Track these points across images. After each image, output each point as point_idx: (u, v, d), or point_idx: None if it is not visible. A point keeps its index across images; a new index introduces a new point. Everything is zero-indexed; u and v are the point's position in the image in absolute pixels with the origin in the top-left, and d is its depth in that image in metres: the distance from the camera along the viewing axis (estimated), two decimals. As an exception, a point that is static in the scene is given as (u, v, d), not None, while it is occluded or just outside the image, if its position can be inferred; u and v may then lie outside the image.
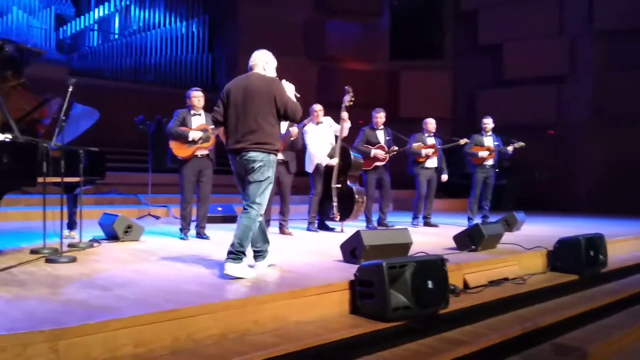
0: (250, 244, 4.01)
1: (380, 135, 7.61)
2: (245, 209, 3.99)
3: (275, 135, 4.06)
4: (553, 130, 13.61)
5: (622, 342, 4.58)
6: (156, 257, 4.77)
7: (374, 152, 7.41)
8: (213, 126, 5.92)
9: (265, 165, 3.98)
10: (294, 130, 6.37)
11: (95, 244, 5.29)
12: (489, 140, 8.40)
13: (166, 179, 9.14)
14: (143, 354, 2.71)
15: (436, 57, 15.89)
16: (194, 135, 5.87)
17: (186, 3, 15.37)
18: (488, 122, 8.45)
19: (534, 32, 13.85)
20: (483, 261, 5.03)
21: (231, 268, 3.82)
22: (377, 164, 7.47)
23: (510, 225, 7.61)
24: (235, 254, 3.85)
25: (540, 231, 7.70)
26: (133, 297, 3.22)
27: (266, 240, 4.27)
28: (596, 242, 5.72)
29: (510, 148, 8.33)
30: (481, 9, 14.81)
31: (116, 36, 14.77)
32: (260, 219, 4.06)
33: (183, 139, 5.87)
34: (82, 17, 14.59)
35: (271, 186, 4.08)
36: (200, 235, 6.09)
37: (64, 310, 2.88)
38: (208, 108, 8.69)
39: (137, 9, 14.93)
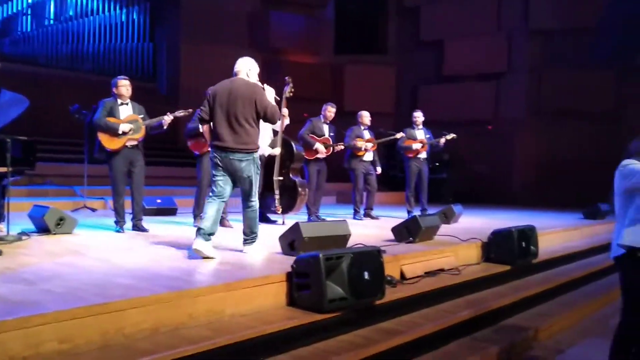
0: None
1: (326, 129, 7.63)
2: (248, 204, 4.65)
3: (255, 135, 4.57)
4: (491, 125, 14.02)
5: (552, 329, 4.77)
6: (88, 250, 4.62)
7: (316, 145, 7.42)
8: (142, 116, 5.84)
9: (251, 163, 4.54)
10: None
11: (24, 237, 5.07)
12: (420, 134, 8.56)
13: (103, 170, 8.83)
14: (68, 350, 2.61)
15: (380, 52, 16.07)
16: (124, 128, 5.71)
17: (126, -11, 14.92)
18: (418, 116, 8.64)
19: (473, 30, 14.21)
20: (420, 252, 5.12)
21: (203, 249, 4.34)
22: (319, 155, 7.50)
23: (448, 217, 7.79)
24: (252, 239, 4.67)
25: (476, 223, 7.91)
26: (60, 291, 3.10)
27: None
28: (528, 234, 5.92)
29: (442, 140, 8.51)
30: (423, 5, 15.07)
31: (51, 22, 14.19)
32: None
33: (112, 131, 5.69)
34: (14, 0, 13.94)
35: (259, 177, 4.71)
36: (138, 227, 5.92)
37: (-17, 306, 2.74)
38: (147, 98, 8.51)
39: (74, -6, 14.39)
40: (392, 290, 4.25)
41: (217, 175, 4.55)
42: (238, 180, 4.58)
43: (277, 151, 6.88)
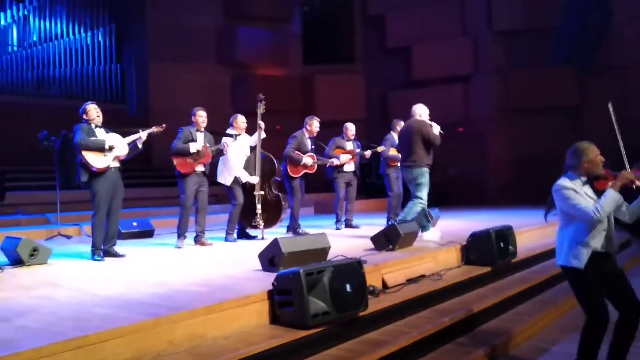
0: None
1: (309, 143, 7.59)
2: (413, 199, 6.57)
3: (422, 155, 6.58)
4: (462, 127, 14.17)
5: (535, 328, 4.81)
6: (64, 280, 4.52)
7: (304, 160, 7.38)
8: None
9: (420, 173, 6.55)
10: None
11: (-3, 271, 4.95)
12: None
13: (76, 195, 8.74)
14: (47, 388, 2.55)
15: (348, 61, 16.19)
16: (110, 142, 5.59)
17: (90, 12, 14.78)
18: (402, 124, 8.60)
19: (438, 34, 14.43)
20: (400, 260, 5.13)
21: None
22: (307, 171, 7.47)
23: (426, 222, 7.80)
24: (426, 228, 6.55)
25: (454, 226, 7.96)
26: (35, 326, 3.02)
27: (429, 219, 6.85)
28: (505, 234, 5.97)
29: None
30: (388, 12, 15.24)
31: (15, 48, 13.96)
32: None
33: (99, 147, 5.53)
34: (-25, 29, 13.71)
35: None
36: (112, 253, 5.75)
37: (-45, 349, 2.66)
38: (117, 120, 8.42)
39: (37, 19, 14.19)
40: (375, 300, 4.25)
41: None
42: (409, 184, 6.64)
43: (255, 180, 6.87)
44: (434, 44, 14.43)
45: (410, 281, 4.91)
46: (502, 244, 5.83)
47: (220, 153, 6.62)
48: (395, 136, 8.61)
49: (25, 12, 14.09)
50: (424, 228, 6.61)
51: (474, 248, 5.84)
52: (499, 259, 5.75)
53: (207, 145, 6.49)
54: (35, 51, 13.97)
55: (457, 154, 14.03)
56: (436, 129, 6.71)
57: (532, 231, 7.57)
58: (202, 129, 6.56)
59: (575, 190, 3.36)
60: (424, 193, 6.56)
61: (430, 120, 6.87)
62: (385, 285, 4.69)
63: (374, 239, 5.83)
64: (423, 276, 5.10)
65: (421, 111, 6.90)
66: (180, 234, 6.52)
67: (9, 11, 13.95)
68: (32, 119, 12.06)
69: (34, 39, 14.13)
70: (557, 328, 4.95)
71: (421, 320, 4.32)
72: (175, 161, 6.44)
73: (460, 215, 9.73)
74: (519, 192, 13.13)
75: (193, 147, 6.37)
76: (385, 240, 5.67)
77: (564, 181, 3.43)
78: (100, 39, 14.71)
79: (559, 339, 4.61)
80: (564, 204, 3.41)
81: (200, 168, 6.45)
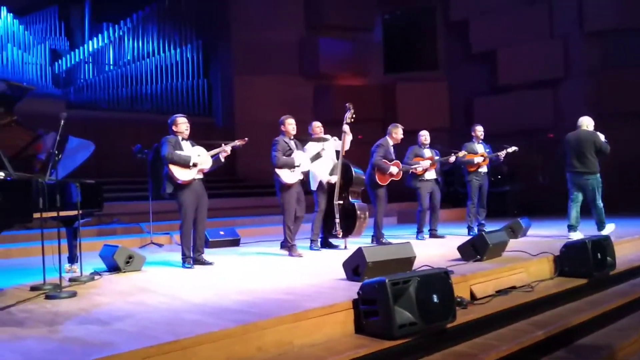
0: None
1: (392, 151, 7.53)
2: (594, 205, 7.34)
3: (595, 162, 7.29)
4: (552, 133, 13.56)
5: (635, 346, 4.49)
6: (157, 287, 4.70)
7: (391, 169, 7.32)
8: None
9: (596, 179, 7.31)
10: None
11: (96, 277, 5.22)
12: (480, 147, 8.37)
13: (167, 205, 9.10)
14: (143, 389, 2.64)
15: (430, 68, 15.96)
16: (195, 159, 5.75)
17: (179, 30, 15.48)
18: (479, 129, 8.45)
19: (525, 37, 13.91)
20: (489, 270, 4.96)
21: None
22: (393, 179, 7.42)
23: (515, 232, 7.53)
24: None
25: (545, 236, 7.62)
26: (132, 330, 3.16)
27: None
28: (603, 244, 5.64)
29: (502, 153, 8.29)
30: (471, 17, 14.89)
31: (111, 67, 14.86)
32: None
33: (184, 162, 5.74)
34: (76, 50, 14.70)
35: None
36: (200, 261, 5.93)
37: (61, 349, 2.82)
38: (205, 133, 8.72)
39: (131, 39, 15.04)
40: (463, 311, 4.12)
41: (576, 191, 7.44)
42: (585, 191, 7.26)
43: (334, 179, 6.87)
44: (520, 48, 13.93)
45: (500, 292, 4.73)
46: (599, 254, 5.51)
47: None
48: (475, 142, 8.42)
49: (120, 33, 14.97)
50: (601, 226, 7.38)
51: (568, 259, 5.55)
52: (595, 271, 5.43)
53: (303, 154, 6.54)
54: (129, 69, 14.80)
55: (548, 161, 13.45)
56: (602, 137, 7.41)
57: (633, 241, 7.11)
58: (292, 137, 6.61)
59: None
60: (600, 196, 7.39)
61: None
62: (473, 297, 4.54)
63: (460, 248, 5.67)
64: (514, 287, 4.90)
65: (588, 122, 7.62)
66: (287, 244, 6.54)
67: (105, 33, 14.88)
68: (126, 133, 12.76)
69: (128, 57, 14.98)
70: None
71: (513, 333, 4.14)
72: (279, 173, 6.39)
73: (551, 225, 9.28)
74: (617, 201, 12.35)
75: (297, 160, 6.40)
76: (473, 250, 5.50)
77: None
78: (188, 55, 15.38)
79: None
80: None
81: (301, 177, 6.52)
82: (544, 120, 13.64)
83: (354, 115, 7.03)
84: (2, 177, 4.13)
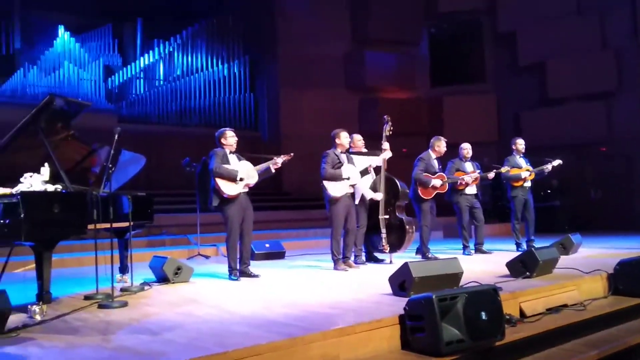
0: None
1: (436, 164, 7.46)
2: None
3: None
4: (604, 147, 13.18)
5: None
6: (205, 298, 4.78)
7: (433, 182, 7.25)
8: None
9: None
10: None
11: (146, 287, 5.35)
12: (522, 162, 8.20)
13: (214, 217, 9.24)
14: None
15: (477, 81, 15.78)
16: (242, 174, 5.83)
17: (227, 46, 15.82)
18: (521, 143, 8.30)
19: (576, 48, 13.58)
20: (539, 288, 4.84)
21: None
22: (438, 191, 7.34)
23: (566, 248, 7.33)
24: None
25: (598, 253, 7.39)
26: (181, 341, 3.22)
27: None
28: (660, 262, 5.42)
29: (548, 167, 8.10)
30: (519, 29, 14.66)
31: (161, 82, 15.28)
32: None
33: (232, 177, 5.82)
34: (129, 66, 15.20)
35: None
36: (247, 273, 5.99)
37: (113, 358, 2.90)
38: (251, 146, 8.85)
39: (180, 55, 15.45)
40: (512, 329, 4.03)
41: None
42: None
43: (379, 196, 6.84)
44: (571, 59, 13.62)
45: (550, 311, 4.60)
46: (656, 273, 5.30)
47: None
48: (517, 156, 8.26)
49: (170, 49, 15.40)
50: None
51: (623, 277, 5.35)
52: (652, 290, 5.22)
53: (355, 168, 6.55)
54: (178, 84, 15.19)
55: (600, 176, 13.07)
56: None
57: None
58: (344, 151, 6.58)
59: None
60: None
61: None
62: (523, 314, 4.44)
63: (509, 265, 5.56)
64: (565, 306, 4.76)
65: None
66: (337, 258, 6.51)
67: (156, 49, 15.33)
68: (175, 147, 13.08)
69: (178, 73, 15.39)
70: None
71: (564, 352, 4.02)
72: (327, 186, 6.39)
73: (604, 242, 9.00)
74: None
75: (345, 173, 6.40)
76: (522, 267, 5.38)
77: None
78: (235, 70, 15.68)
79: None
80: None
81: (351, 190, 6.53)
82: (595, 133, 13.25)
83: (392, 128, 7.00)
84: (59, 190, 4.29)
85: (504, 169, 8.00)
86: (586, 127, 13.26)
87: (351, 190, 6.49)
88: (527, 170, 8.12)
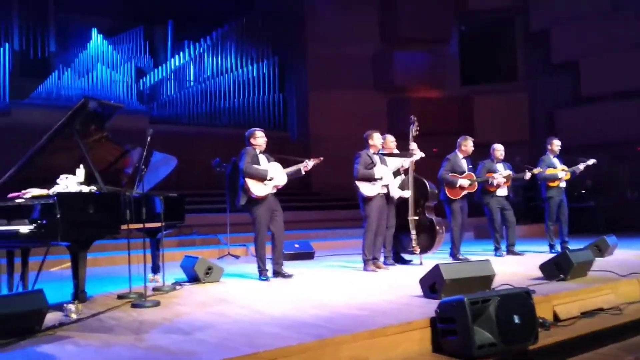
0: None
1: (464, 164, 7.38)
2: None
3: None
4: (641, 146, 12.89)
5: None
6: (235, 298, 4.81)
7: (460, 182, 7.18)
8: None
9: None
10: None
11: (177, 287, 5.41)
12: (557, 162, 8.05)
13: (243, 218, 9.30)
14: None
15: (509, 80, 15.58)
16: (271, 174, 5.87)
17: (256, 47, 15.92)
18: (557, 144, 8.14)
19: (610, 46, 13.31)
20: (574, 291, 4.74)
21: None
22: (466, 192, 7.26)
23: (602, 250, 7.17)
24: None
25: (635, 256, 7.21)
26: (212, 341, 3.24)
27: None
28: (700, 266, 5.28)
29: (581, 166, 7.93)
30: (553, 27, 14.43)
31: (191, 83, 15.45)
32: None
33: (261, 177, 5.83)
34: (160, 68, 15.42)
35: None
36: (280, 273, 6.00)
37: (147, 357, 2.95)
38: (279, 147, 8.88)
39: (210, 56, 15.61)
40: (546, 333, 3.96)
41: None
42: None
43: (407, 194, 6.80)
44: (604, 57, 13.34)
45: (585, 314, 4.51)
46: (696, 276, 5.15)
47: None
48: (551, 156, 8.10)
49: (201, 51, 15.57)
50: None
51: (661, 280, 5.22)
52: (692, 294, 5.08)
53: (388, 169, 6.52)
54: (208, 85, 15.35)
55: (636, 176, 12.76)
56: None
57: None
58: (377, 152, 6.55)
59: None
60: None
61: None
62: (556, 318, 4.35)
63: (542, 267, 5.46)
64: (600, 309, 4.66)
65: None
66: (367, 259, 6.47)
67: (187, 50, 15.52)
68: (205, 147, 13.20)
69: (208, 74, 15.55)
70: None
71: (599, 357, 3.92)
72: (360, 186, 6.38)
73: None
74: None
75: (377, 173, 6.38)
76: (556, 269, 5.28)
77: None
78: (265, 71, 15.77)
79: None
80: None
81: (384, 190, 6.50)
82: (631, 132, 12.95)
83: (418, 128, 6.94)
84: (93, 191, 4.37)
85: (536, 170, 7.86)
86: (621, 126, 12.96)
87: (384, 191, 6.47)
88: (563, 170, 7.97)
